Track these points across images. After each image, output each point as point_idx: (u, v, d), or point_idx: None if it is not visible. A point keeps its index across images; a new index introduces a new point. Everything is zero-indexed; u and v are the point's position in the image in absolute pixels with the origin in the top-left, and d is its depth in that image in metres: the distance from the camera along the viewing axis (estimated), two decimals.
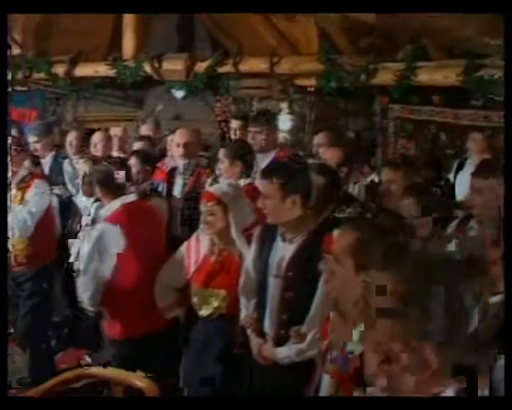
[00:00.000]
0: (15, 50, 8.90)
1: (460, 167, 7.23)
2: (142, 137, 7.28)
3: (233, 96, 8.56)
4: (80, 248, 5.12)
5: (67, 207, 6.38)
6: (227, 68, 8.18)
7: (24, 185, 5.46)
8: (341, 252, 2.61)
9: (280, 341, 3.57)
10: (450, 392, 1.70)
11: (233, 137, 6.72)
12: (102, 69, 8.86)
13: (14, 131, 6.81)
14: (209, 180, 5.39)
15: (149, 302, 4.40)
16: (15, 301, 5.46)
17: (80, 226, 5.94)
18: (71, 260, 5.51)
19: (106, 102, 9.68)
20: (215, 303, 4.03)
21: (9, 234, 4.89)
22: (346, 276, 2.55)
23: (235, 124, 6.77)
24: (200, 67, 8.31)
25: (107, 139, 7.04)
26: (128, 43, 8.77)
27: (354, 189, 5.73)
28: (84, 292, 4.51)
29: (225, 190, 4.18)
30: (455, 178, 6.68)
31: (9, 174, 5.14)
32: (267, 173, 3.66)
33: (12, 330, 5.51)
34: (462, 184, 5.77)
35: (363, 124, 9.21)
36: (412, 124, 8.69)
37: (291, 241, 3.56)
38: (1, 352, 2.70)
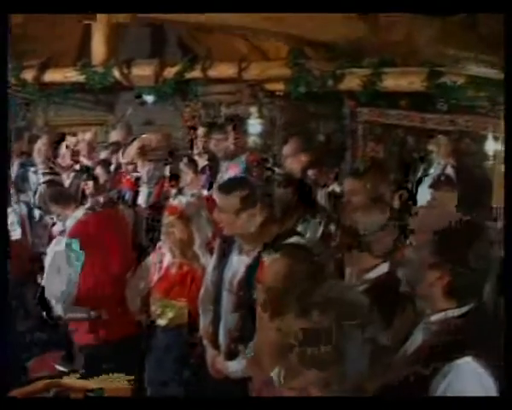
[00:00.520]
0: None
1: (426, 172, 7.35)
2: (110, 145, 7.30)
3: (202, 102, 8.58)
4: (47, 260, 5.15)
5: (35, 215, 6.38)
6: (196, 74, 8.19)
7: None
8: (269, 283, 2.63)
9: (231, 355, 3.59)
10: None
11: (198, 144, 6.74)
12: (72, 75, 8.82)
13: None
14: (174, 191, 5.42)
15: (121, 307, 4.49)
16: None
17: (50, 236, 5.96)
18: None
19: (77, 107, 9.65)
20: (170, 314, 4.10)
21: None
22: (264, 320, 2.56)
23: (199, 131, 6.81)
24: (170, 72, 8.31)
25: (73, 150, 7.04)
26: (97, 49, 8.75)
27: (322, 195, 5.76)
28: (55, 301, 4.58)
29: (188, 203, 4.22)
30: (417, 186, 6.77)
31: None
32: (223, 188, 3.68)
33: None
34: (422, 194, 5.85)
35: (333, 127, 9.28)
36: (380, 127, 8.79)
37: (248, 253, 3.58)
38: (1, 352, 2.72)
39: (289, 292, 2.22)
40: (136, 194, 5.81)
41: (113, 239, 4.80)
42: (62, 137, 7.49)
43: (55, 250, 4.60)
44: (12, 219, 5.70)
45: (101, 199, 5.49)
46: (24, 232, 5.99)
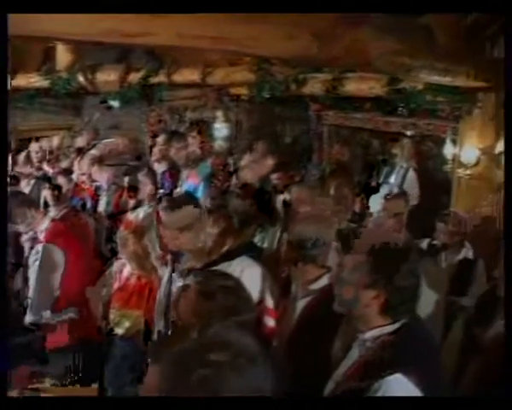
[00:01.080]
0: None
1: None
2: (73, 152, 7.29)
3: (167, 106, 8.58)
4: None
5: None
6: (161, 79, 8.17)
7: None
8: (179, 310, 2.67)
9: None
10: None
11: (155, 151, 6.75)
12: (36, 80, 8.75)
13: None
14: (132, 202, 5.43)
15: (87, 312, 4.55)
16: None
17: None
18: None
19: (43, 112, 9.59)
20: (127, 324, 4.13)
21: None
22: None
23: (159, 139, 6.83)
24: (135, 77, 8.27)
25: (31, 158, 7.02)
26: (62, 54, 8.68)
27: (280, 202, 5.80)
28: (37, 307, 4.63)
29: (144, 216, 4.25)
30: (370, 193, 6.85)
31: None
32: (167, 205, 3.70)
33: None
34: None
35: (299, 129, 9.37)
36: (346, 130, 8.89)
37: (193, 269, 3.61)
38: (1, 352, 2.72)
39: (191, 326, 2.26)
40: (96, 202, 5.81)
41: (77, 247, 4.83)
42: (24, 145, 7.47)
43: (32, 259, 4.63)
44: None
45: (64, 208, 5.49)
46: None
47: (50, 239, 4.64)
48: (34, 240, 5.32)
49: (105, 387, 4.45)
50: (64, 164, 6.77)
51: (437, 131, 7.18)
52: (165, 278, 3.81)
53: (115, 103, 8.67)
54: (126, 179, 5.85)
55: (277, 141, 8.76)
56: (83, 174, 6.43)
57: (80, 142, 8.36)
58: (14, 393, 3.57)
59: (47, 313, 4.64)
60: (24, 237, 5.69)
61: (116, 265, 4.42)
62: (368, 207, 6.05)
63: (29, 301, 4.68)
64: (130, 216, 4.51)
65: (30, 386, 3.63)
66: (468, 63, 5.93)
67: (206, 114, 8.55)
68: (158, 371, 1.81)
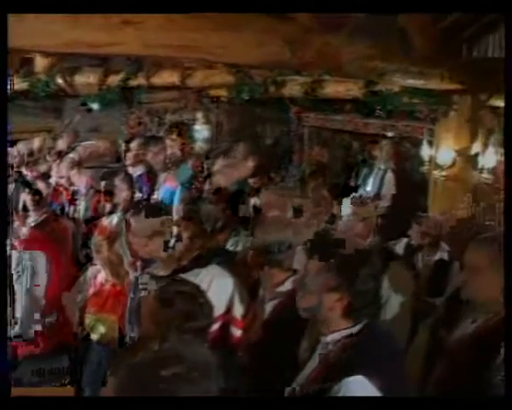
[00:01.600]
0: None
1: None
2: (53, 155, 7.28)
3: (147, 109, 8.58)
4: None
5: None
6: (140, 81, 8.17)
7: None
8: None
9: None
10: None
11: (129, 155, 6.73)
12: (15, 82, 8.71)
13: None
14: (108, 206, 5.43)
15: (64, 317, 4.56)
16: None
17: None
18: None
19: (23, 114, 9.55)
20: (102, 329, 4.13)
21: None
22: None
23: (132, 144, 6.82)
24: (114, 80, 8.26)
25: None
26: (40, 57, 8.64)
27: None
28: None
29: (117, 222, 4.25)
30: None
31: None
32: (136, 213, 3.71)
33: None
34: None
35: (280, 131, 9.40)
36: (326, 132, 8.93)
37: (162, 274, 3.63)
38: (1, 352, 2.73)
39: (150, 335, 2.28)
40: (75, 207, 5.80)
41: (58, 253, 4.85)
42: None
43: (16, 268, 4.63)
44: None
45: (44, 213, 5.49)
46: None
47: (32, 246, 4.63)
48: (13, 246, 5.32)
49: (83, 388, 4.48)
50: (43, 168, 6.74)
51: (415, 132, 7.24)
52: (133, 285, 3.82)
53: (95, 106, 8.65)
54: (103, 184, 5.84)
55: (258, 142, 8.78)
56: (61, 177, 6.41)
57: (61, 144, 8.34)
58: None
59: (36, 326, 4.63)
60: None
61: (91, 270, 4.42)
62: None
63: (17, 313, 4.67)
64: (105, 222, 4.51)
65: None
66: (443, 65, 5.98)
67: (187, 115, 8.55)
68: (115, 383, 1.83)
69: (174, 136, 7.74)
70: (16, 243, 4.85)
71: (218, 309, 3.14)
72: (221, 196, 4.67)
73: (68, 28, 4.94)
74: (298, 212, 4.77)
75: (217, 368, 1.71)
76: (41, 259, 4.58)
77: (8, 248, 5.59)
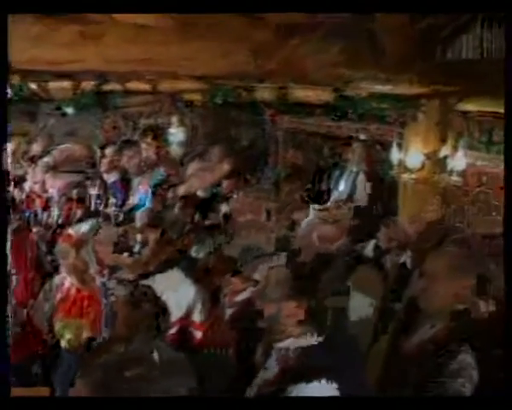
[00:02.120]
0: None
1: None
2: (26, 160, 7.27)
3: (122, 113, 8.59)
4: None
5: None
6: (114, 86, 8.19)
7: None
8: None
9: None
10: None
11: (104, 162, 6.75)
12: None
13: None
14: (79, 212, 5.45)
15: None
16: None
17: None
18: None
19: None
20: (68, 335, 4.16)
21: None
22: None
23: (107, 151, 6.84)
24: (88, 84, 8.28)
25: None
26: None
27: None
28: None
29: (85, 230, 4.28)
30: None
31: None
32: (102, 221, 3.77)
33: None
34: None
35: (255, 133, 9.44)
36: (301, 135, 8.99)
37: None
38: (1, 352, 2.75)
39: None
40: (48, 214, 5.81)
41: (26, 261, 4.87)
42: None
43: None
44: None
45: (17, 220, 5.48)
46: None
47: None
48: None
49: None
50: (17, 172, 6.74)
51: (386, 135, 7.32)
52: (103, 291, 3.87)
53: (69, 110, 8.65)
54: (75, 192, 5.84)
55: (233, 145, 8.82)
56: (35, 183, 6.40)
57: (35, 148, 8.32)
58: None
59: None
60: None
61: (58, 277, 4.45)
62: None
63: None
64: (71, 230, 4.54)
65: None
66: (413, 70, 6.05)
67: (161, 119, 8.58)
68: (82, 383, 1.87)
69: (149, 139, 7.76)
70: None
71: (178, 313, 3.21)
72: (189, 202, 4.72)
73: (29, 47, 4.94)
74: (269, 215, 4.84)
75: (178, 368, 1.77)
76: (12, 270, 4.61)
77: None
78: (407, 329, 3.39)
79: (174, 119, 8.62)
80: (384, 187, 7.19)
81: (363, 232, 5.86)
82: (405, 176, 6.50)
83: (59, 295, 4.42)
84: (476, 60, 6.00)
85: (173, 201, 5.18)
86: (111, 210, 5.36)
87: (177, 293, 3.26)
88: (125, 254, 3.60)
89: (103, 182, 6.03)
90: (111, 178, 6.27)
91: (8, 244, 4.60)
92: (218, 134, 8.88)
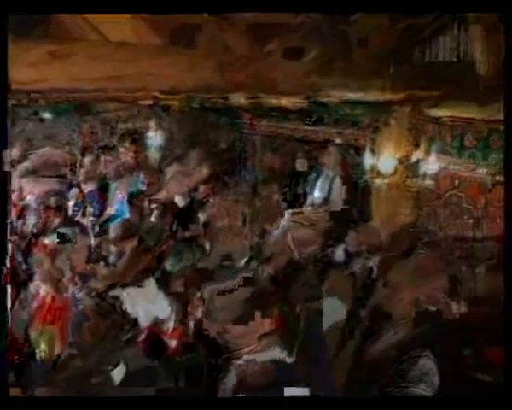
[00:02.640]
0: None
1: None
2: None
3: (99, 118, 8.63)
4: None
5: None
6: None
7: None
8: None
9: None
10: None
11: (82, 171, 6.79)
12: None
13: None
14: (57, 220, 5.47)
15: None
16: None
17: None
18: None
19: None
20: (42, 345, 4.20)
21: None
22: None
23: (86, 159, 6.85)
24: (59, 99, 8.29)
25: None
26: None
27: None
28: None
29: (60, 240, 4.32)
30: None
31: None
32: (78, 231, 3.82)
33: None
34: None
35: (233, 136, 9.52)
36: (278, 138, 9.07)
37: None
38: (1, 352, 2.78)
39: None
40: (23, 223, 5.82)
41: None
42: None
43: None
44: None
45: None
46: None
47: None
48: None
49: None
50: None
51: (360, 140, 7.42)
52: (72, 300, 3.93)
53: (47, 115, 8.69)
54: (53, 200, 5.85)
55: (212, 148, 8.88)
56: (13, 192, 6.40)
57: (14, 153, 8.31)
58: None
59: None
60: None
61: (33, 286, 4.49)
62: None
63: None
64: (46, 239, 4.58)
65: None
66: (387, 75, 6.12)
67: (139, 123, 8.63)
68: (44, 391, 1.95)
69: (127, 144, 7.77)
70: None
71: (145, 322, 3.27)
72: (167, 209, 4.78)
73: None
74: (245, 220, 4.90)
75: (149, 372, 1.85)
76: None
77: None
78: (372, 335, 3.49)
79: (152, 123, 8.67)
80: (358, 191, 7.28)
81: (336, 237, 5.93)
82: (378, 181, 6.60)
83: (35, 304, 4.46)
84: (453, 62, 6.09)
85: (151, 208, 5.22)
86: (88, 220, 5.40)
87: (150, 305, 3.32)
88: (101, 264, 3.65)
89: (81, 191, 6.06)
90: (88, 187, 6.30)
91: None
92: (196, 137, 8.93)
